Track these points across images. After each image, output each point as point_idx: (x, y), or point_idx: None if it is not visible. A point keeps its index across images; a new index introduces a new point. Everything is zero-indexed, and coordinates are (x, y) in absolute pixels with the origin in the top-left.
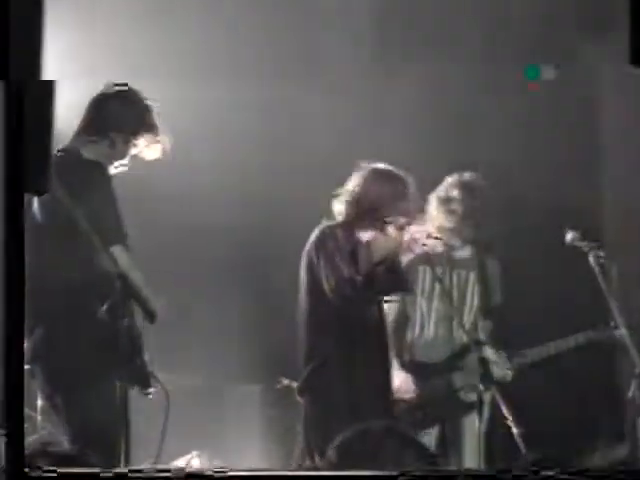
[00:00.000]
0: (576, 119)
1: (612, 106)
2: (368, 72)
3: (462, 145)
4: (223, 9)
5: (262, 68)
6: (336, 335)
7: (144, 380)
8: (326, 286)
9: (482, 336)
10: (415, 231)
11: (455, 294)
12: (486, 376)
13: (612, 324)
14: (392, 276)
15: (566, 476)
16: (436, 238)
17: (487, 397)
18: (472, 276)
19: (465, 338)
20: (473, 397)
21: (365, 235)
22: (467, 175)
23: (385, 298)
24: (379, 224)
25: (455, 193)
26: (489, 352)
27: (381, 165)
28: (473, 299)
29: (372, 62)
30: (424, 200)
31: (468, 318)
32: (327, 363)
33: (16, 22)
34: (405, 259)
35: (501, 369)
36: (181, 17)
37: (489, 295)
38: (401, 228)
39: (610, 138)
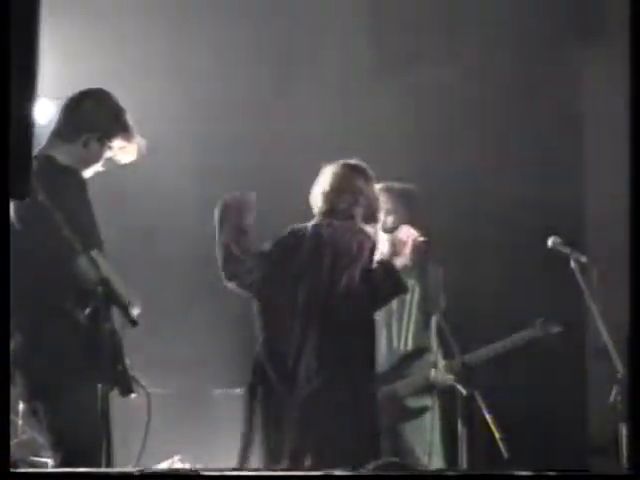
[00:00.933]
0: (559, 120)
1: (595, 107)
2: (367, 72)
3: (457, 147)
4: (222, 9)
5: (261, 68)
6: (349, 338)
7: (126, 385)
8: (340, 290)
9: (424, 343)
10: (403, 234)
11: (395, 302)
12: (430, 382)
13: (547, 320)
14: (391, 280)
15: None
16: (423, 241)
17: (432, 402)
18: (410, 283)
19: (409, 346)
20: (418, 403)
21: (372, 239)
22: (397, 185)
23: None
24: (372, 225)
25: (389, 204)
26: (432, 358)
27: (350, 160)
28: (412, 306)
29: (371, 63)
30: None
31: (408, 326)
32: (341, 366)
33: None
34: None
35: (443, 374)
36: (178, 14)
37: (429, 302)
38: (389, 231)
39: (593, 139)
